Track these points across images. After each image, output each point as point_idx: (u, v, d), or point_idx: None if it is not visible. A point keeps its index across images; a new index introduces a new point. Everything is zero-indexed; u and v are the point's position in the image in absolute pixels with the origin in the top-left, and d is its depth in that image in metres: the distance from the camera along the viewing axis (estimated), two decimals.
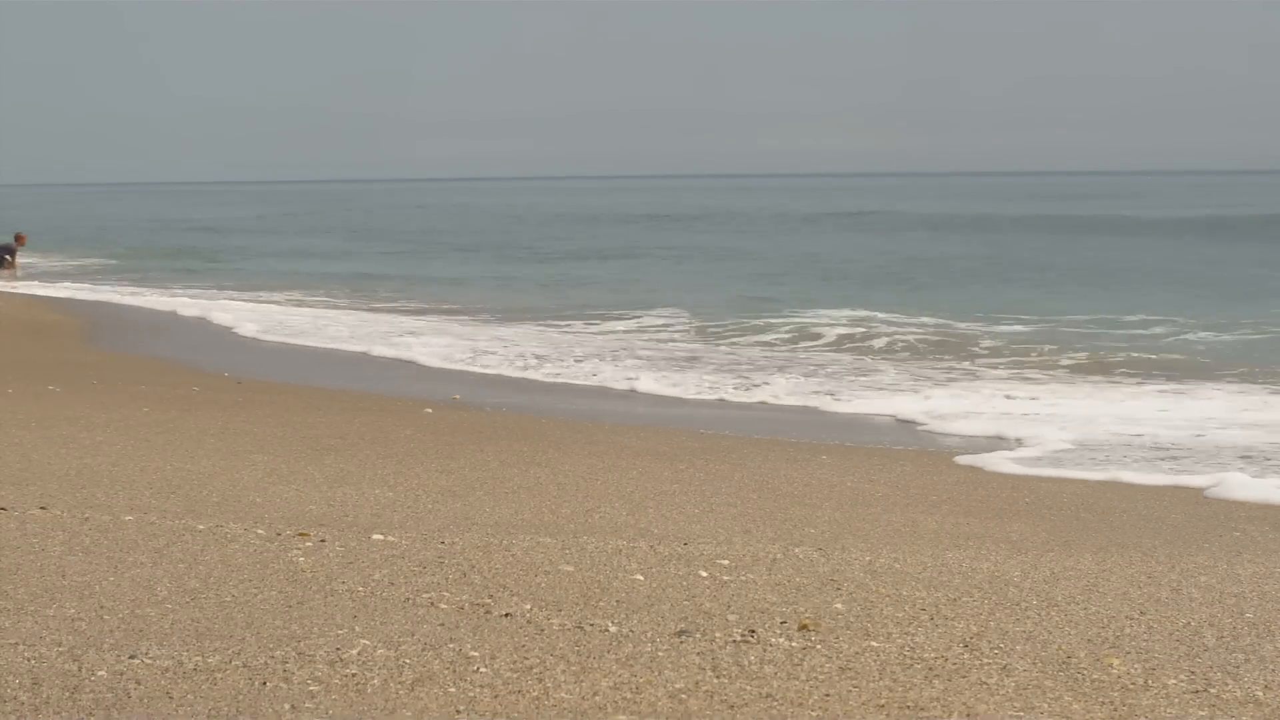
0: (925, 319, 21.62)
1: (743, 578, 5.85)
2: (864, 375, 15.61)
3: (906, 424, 12.26)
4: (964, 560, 6.43)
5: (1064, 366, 16.44)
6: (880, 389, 14.40)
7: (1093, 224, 55.67)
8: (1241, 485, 8.90)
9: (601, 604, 5.29)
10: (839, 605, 5.40)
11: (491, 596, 5.33)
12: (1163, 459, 10.16)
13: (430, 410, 12.02)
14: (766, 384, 14.74)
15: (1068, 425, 11.67)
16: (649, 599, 5.40)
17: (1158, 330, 20.36)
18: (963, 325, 20.87)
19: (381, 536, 6.38)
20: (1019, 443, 10.94)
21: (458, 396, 13.56)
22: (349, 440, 9.89)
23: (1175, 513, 8.22)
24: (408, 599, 5.24)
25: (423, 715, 3.95)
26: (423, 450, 9.55)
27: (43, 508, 6.65)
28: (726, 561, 6.15)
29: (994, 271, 33.38)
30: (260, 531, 6.32)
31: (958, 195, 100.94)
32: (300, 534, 6.29)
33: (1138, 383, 14.83)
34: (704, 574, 5.88)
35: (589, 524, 7.16)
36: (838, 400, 13.58)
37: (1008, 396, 13.64)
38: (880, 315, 22.07)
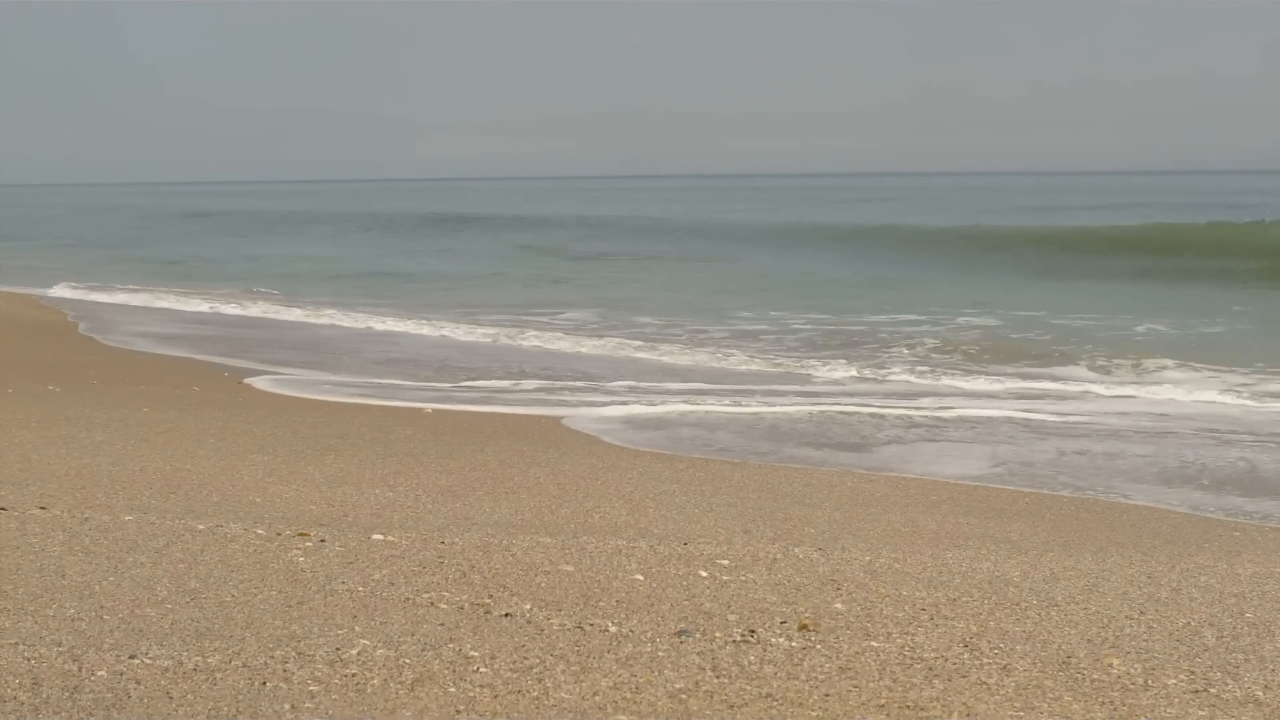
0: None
1: (743, 578, 5.85)
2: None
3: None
4: (964, 560, 6.43)
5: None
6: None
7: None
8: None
9: (601, 604, 5.29)
10: (839, 605, 5.40)
11: (491, 596, 5.33)
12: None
13: (430, 410, 12.03)
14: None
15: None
16: (649, 599, 5.40)
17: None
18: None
19: (381, 536, 6.37)
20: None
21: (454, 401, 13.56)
22: (349, 440, 9.88)
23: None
24: (408, 599, 5.24)
25: (423, 715, 3.95)
26: (423, 450, 9.55)
27: (43, 508, 6.65)
28: (726, 561, 6.15)
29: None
30: (260, 531, 6.32)
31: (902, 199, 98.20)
32: (300, 534, 6.29)
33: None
34: (704, 574, 5.88)
35: (589, 524, 7.16)
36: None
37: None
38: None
